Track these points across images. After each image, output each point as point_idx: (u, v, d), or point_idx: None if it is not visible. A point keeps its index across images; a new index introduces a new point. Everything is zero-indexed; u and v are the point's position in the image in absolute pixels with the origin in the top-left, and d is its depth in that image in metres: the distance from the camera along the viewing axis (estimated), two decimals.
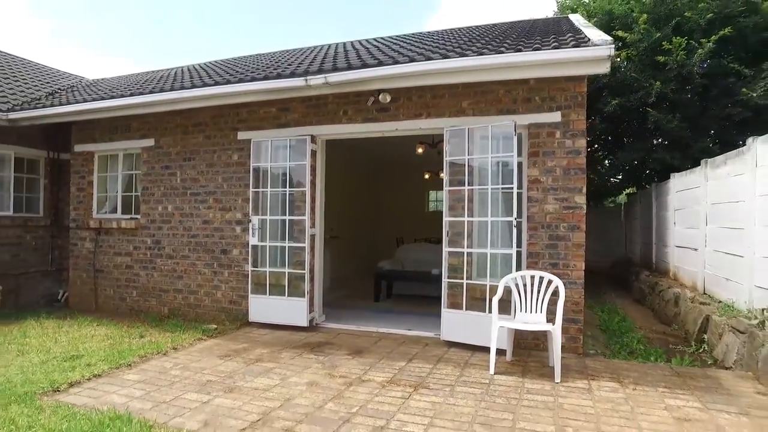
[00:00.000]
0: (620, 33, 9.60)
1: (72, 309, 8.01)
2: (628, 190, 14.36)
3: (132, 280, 7.66)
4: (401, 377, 4.52)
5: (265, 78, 5.85)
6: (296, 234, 6.35)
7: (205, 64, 10.83)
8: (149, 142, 7.48)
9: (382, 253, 11.29)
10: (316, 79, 5.46)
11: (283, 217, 6.43)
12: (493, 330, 4.64)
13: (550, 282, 4.85)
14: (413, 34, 9.47)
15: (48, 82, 10.43)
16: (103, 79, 12.09)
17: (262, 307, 6.50)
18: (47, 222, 8.98)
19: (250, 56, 10.38)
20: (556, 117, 5.33)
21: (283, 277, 6.38)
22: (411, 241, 11.65)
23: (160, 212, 7.38)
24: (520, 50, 4.91)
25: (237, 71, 7.24)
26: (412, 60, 5.24)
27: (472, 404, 3.86)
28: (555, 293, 4.75)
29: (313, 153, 6.32)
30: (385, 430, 3.40)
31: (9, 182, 8.42)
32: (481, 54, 4.98)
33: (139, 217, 7.60)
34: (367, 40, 9.49)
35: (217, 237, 6.93)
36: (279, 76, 5.75)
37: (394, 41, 8.37)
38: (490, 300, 4.94)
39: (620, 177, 12.97)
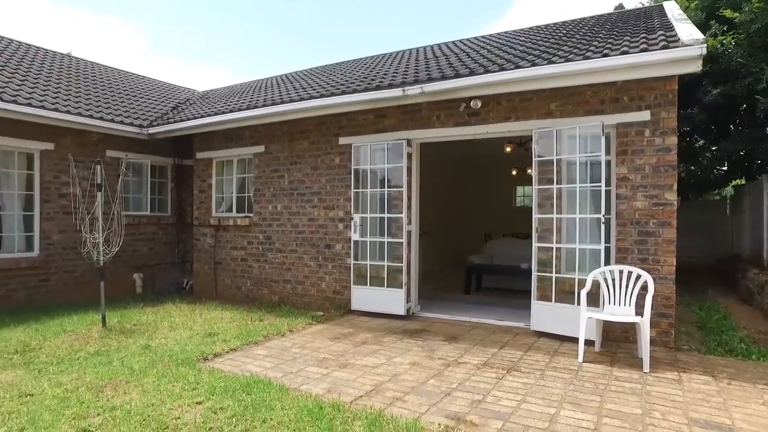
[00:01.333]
0: (727, 13, 9.14)
1: (196, 296, 9.20)
2: (735, 182, 13.56)
3: (246, 271, 8.68)
4: (494, 361, 4.95)
5: (366, 90, 6.48)
6: (394, 230, 6.95)
7: (298, 73, 11.76)
8: (260, 149, 8.43)
9: (470, 248, 11.66)
10: (413, 90, 6.01)
11: (382, 215, 7.06)
12: (581, 321, 4.93)
13: (638, 276, 5.04)
14: (497, 34, 9.64)
15: (168, 97, 11.89)
16: (211, 91, 13.49)
17: (363, 297, 7.18)
18: (174, 220, 10.34)
19: (342, 64, 11.13)
20: (644, 116, 5.45)
21: (383, 270, 7.01)
22: (499, 236, 11.91)
23: (270, 211, 8.31)
24: (606, 55, 5.11)
25: (337, 82, 7.96)
26: (502, 68, 5.61)
27: (561, 386, 4.21)
28: (644, 288, 4.94)
29: (409, 155, 6.87)
30: (482, 403, 3.86)
31: (146, 186, 9.84)
32: (568, 60, 5.25)
33: (252, 215, 8.59)
34: (453, 43, 9.85)
35: (322, 233, 7.71)
36: (378, 88, 6.36)
37: (478, 43, 8.66)
38: (579, 293, 5.21)
39: (725, 168, 12.32)
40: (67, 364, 4.73)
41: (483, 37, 9.72)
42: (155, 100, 11.09)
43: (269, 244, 8.33)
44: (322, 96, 6.93)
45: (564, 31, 7.72)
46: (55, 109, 7.78)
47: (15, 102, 7.27)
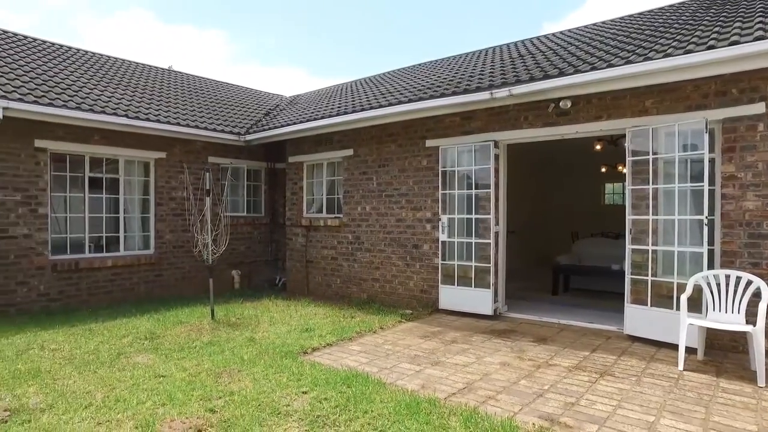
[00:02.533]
0: None
1: (289, 292, 9.77)
2: None
3: (336, 269, 9.09)
4: (586, 364, 4.89)
5: (453, 93, 6.59)
6: (481, 231, 7.01)
7: (382, 75, 12.05)
8: (349, 152, 8.79)
9: (556, 247, 11.40)
10: (501, 92, 6.04)
11: (469, 216, 7.14)
12: (681, 327, 4.74)
13: (749, 282, 4.75)
14: (585, 26, 9.29)
15: (260, 104, 12.66)
16: (298, 96, 14.16)
17: (451, 296, 7.30)
18: (267, 220, 11.03)
19: (424, 65, 11.26)
20: (758, 108, 5.08)
21: (470, 270, 7.10)
22: (587, 235, 11.54)
23: (359, 212, 8.65)
24: (712, 47, 4.84)
25: (422, 85, 8.12)
26: (593, 67, 5.49)
27: (660, 394, 4.10)
28: (756, 294, 4.65)
29: (496, 157, 6.90)
30: (576, 406, 3.87)
31: (243, 189, 10.59)
32: (668, 55, 5.03)
33: (341, 216, 8.99)
34: (538, 38, 9.65)
35: (410, 233, 7.92)
36: (466, 91, 6.45)
37: (565, 39, 8.42)
38: (678, 297, 5.01)
39: None
40: (187, 352, 5.29)
41: (569, 31, 9.45)
42: (248, 108, 11.87)
43: (358, 244, 8.67)
44: (410, 101, 7.13)
45: (661, 20, 7.32)
46: (168, 122, 8.61)
47: (137, 118, 8.17)
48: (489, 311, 6.91)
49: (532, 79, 5.92)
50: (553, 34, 9.62)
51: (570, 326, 6.49)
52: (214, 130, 9.39)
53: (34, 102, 7.05)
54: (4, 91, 6.95)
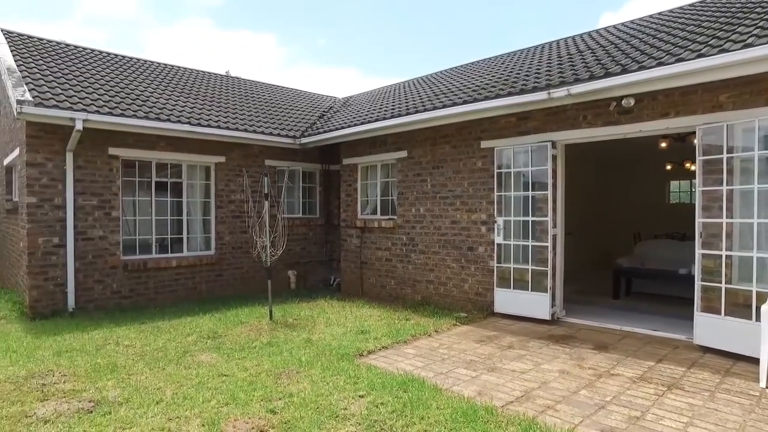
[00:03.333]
0: None
1: (344, 293, 9.90)
2: None
3: (390, 271, 9.13)
4: (652, 375, 4.67)
5: (509, 94, 6.46)
6: (539, 234, 6.84)
7: (434, 75, 11.96)
8: (403, 154, 8.80)
9: (617, 249, 10.95)
10: (559, 92, 5.86)
11: (526, 218, 6.98)
12: (763, 340, 4.44)
13: None
14: (650, 16, 8.83)
15: (314, 106, 12.90)
16: (351, 97, 14.32)
17: (506, 300, 7.17)
18: (322, 221, 11.22)
19: (477, 63, 11.09)
20: None
21: (527, 273, 6.95)
22: (650, 236, 11.01)
23: (413, 214, 8.64)
24: None
25: (476, 85, 8.01)
26: (660, 62, 5.22)
27: (738, 413, 3.85)
28: None
29: (554, 158, 6.70)
30: (641, 421, 3.71)
31: (299, 191, 10.83)
32: (748, 45, 4.67)
33: (395, 217, 9.01)
34: (597, 32, 9.28)
35: (464, 236, 7.83)
36: (522, 92, 6.30)
37: (627, 31, 8.04)
38: (758, 307, 4.69)
39: None
40: (247, 352, 5.47)
41: (631, 22, 9.02)
42: (303, 111, 12.12)
43: (412, 246, 8.67)
44: (464, 102, 7.04)
45: (738, 4, 6.76)
46: (227, 128, 8.95)
47: (199, 124, 8.55)
48: (546, 316, 6.73)
49: (592, 78, 5.70)
50: (614, 27, 9.22)
51: (633, 333, 6.22)
52: (271, 134, 9.65)
53: (109, 113, 7.52)
54: (84, 105, 7.45)
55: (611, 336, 6.12)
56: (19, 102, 6.80)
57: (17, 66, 8.07)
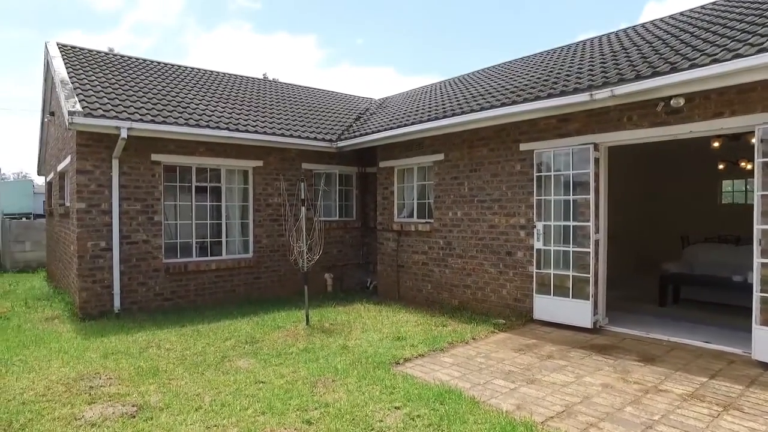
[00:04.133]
0: None
1: (380, 296, 9.87)
2: None
3: (427, 275, 9.04)
4: (705, 393, 4.42)
5: (549, 96, 6.26)
6: (580, 239, 6.61)
7: (471, 75, 11.77)
8: (439, 157, 8.69)
9: (663, 252, 10.49)
10: (602, 93, 5.63)
11: (566, 223, 6.76)
12: None
13: None
14: (700, 7, 8.38)
15: (350, 108, 12.93)
16: (387, 99, 14.27)
17: (546, 307, 6.97)
18: (359, 224, 11.23)
19: (514, 62, 10.83)
20: None
21: (567, 280, 6.73)
22: (700, 240, 10.50)
23: (450, 217, 8.52)
24: None
25: (514, 86, 7.81)
26: (714, 59, 4.92)
27: None
28: None
29: (596, 161, 6.46)
30: None
31: (335, 194, 10.87)
32: None
33: (432, 221, 8.91)
34: (643, 26, 8.90)
35: (502, 240, 7.66)
36: (563, 93, 6.09)
37: (675, 24, 7.66)
38: None
39: None
40: (284, 358, 5.51)
41: (680, 14, 8.58)
42: (339, 113, 12.16)
43: (449, 250, 8.55)
44: (502, 104, 6.88)
45: None
46: (264, 132, 9.07)
47: (237, 130, 8.70)
48: (588, 324, 6.50)
49: (638, 77, 5.44)
50: (661, 20, 8.81)
51: (682, 345, 5.92)
52: (307, 138, 9.72)
53: (151, 121, 7.74)
54: (128, 113, 7.71)
55: (658, 347, 5.85)
56: (70, 113, 7.08)
57: (69, 78, 8.42)
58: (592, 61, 7.44)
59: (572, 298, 6.67)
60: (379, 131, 9.20)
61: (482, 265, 7.98)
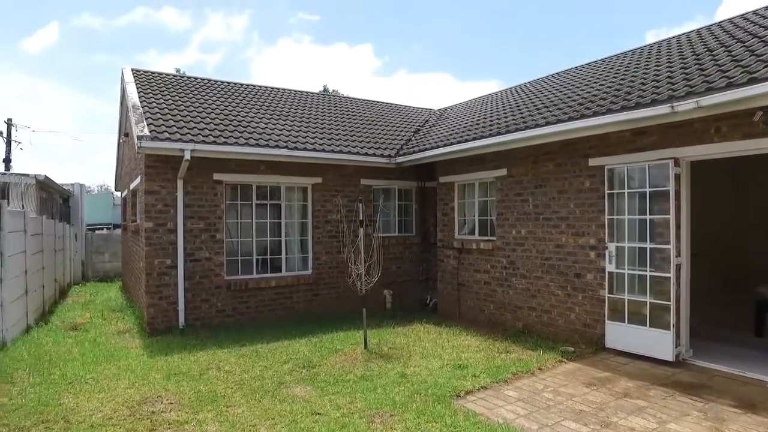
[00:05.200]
0: None
1: (440, 315, 9.58)
2: None
3: (489, 295, 8.66)
4: None
5: (622, 109, 5.78)
6: (658, 262, 6.05)
7: (533, 84, 11.27)
8: (502, 172, 8.32)
9: (756, 273, 9.48)
10: (685, 105, 5.08)
11: (642, 245, 6.21)
12: None
13: None
14: None
15: (408, 120, 12.76)
16: (446, 109, 13.98)
17: (619, 335, 6.44)
18: (418, 240, 10.99)
19: (581, 68, 10.27)
20: None
21: (644, 306, 6.18)
22: None
23: (513, 235, 8.12)
24: None
25: (582, 97, 7.34)
26: None
27: None
28: None
29: (677, 177, 5.89)
30: None
31: (394, 209, 10.71)
32: None
33: (494, 239, 8.54)
34: (731, 21, 8.09)
35: (570, 261, 7.19)
36: (638, 106, 5.60)
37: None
38: None
39: None
40: (341, 386, 5.36)
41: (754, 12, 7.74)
42: (398, 126, 12.03)
43: (513, 269, 8.15)
44: (570, 118, 6.45)
45: None
46: (323, 150, 9.07)
47: (296, 148, 8.76)
48: (669, 356, 5.91)
49: (730, 86, 4.84)
50: (754, 12, 7.91)
51: None
52: (366, 154, 9.63)
53: (213, 142, 7.93)
54: (192, 135, 7.94)
55: (759, 389, 5.16)
56: (139, 137, 7.37)
57: (140, 102, 8.81)
58: (671, 67, 6.84)
59: (650, 326, 6.11)
60: (438, 147, 8.96)
61: (548, 287, 7.53)
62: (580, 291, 7.06)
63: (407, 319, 9.04)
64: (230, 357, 6.52)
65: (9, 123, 25.22)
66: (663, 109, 5.29)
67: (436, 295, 10.14)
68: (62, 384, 5.51)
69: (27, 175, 13.81)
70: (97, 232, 20.23)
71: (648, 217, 6.17)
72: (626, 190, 6.40)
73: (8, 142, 25.03)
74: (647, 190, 6.16)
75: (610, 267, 6.57)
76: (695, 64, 6.32)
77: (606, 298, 6.64)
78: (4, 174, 13.88)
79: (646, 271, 6.19)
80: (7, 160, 24.83)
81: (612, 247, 6.53)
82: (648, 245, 6.16)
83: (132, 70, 10.71)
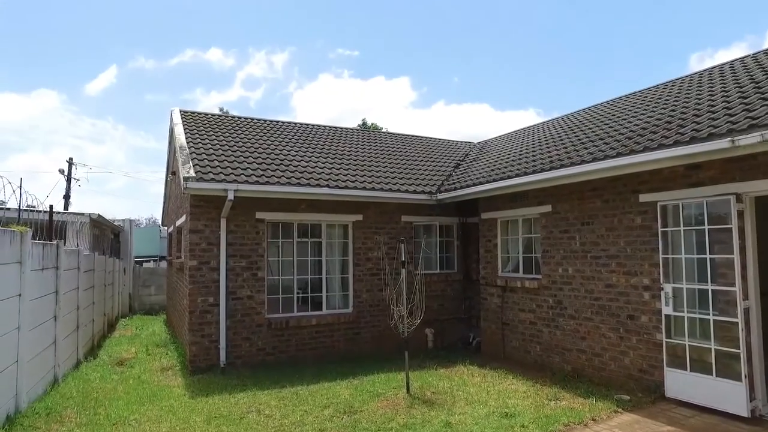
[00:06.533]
0: None
1: (484, 355, 9.22)
2: None
3: (535, 335, 8.30)
4: None
5: (675, 144, 5.50)
6: (722, 305, 5.62)
7: (576, 115, 11.03)
8: (546, 208, 8.07)
9: None
10: (748, 139, 4.76)
11: (703, 286, 5.80)
12: None
13: None
14: None
15: (449, 155, 12.67)
16: (486, 142, 13.84)
17: (681, 383, 5.97)
18: (460, 276, 10.74)
19: (626, 99, 9.97)
20: None
21: (708, 354, 5.72)
22: None
23: (560, 274, 7.80)
24: None
25: (630, 130, 7.08)
26: None
27: None
28: None
29: (740, 214, 5.51)
30: None
31: (436, 246, 10.55)
32: None
33: (540, 277, 8.22)
34: (766, 52, 7.73)
35: (622, 301, 6.81)
36: (693, 140, 5.32)
37: None
38: None
39: None
40: None
41: None
42: (438, 161, 11.95)
43: (560, 309, 7.79)
44: (618, 154, 6.20)
45: None
46: (363, 188, 9.07)
47: (337, 187, 8.80)
48: (743, 411, 5.40)
49: None
50: None
51: None
52: (407, 191, 9.57)
53: (256, 182, 8.07)
54: (235, 175, 8.11)
55: None
56: (185, 179, 7.57)
57: (187, 143, 9.10)
58: (726, 96, 6.53)
59: (716, 376, 5.63)
60: (480, 183, 8.80)
61: (599, 329, 7.13)
62: (634, 334, 6.64)
63: (450, 359, 8.74)
64: (270, 399, 6.42)
65: (70, 162, 26.67)
66: (722, 143, 4.99)
67: (480, 334, 9.80)
68: (107, 425, 5.54)
69: (82, 214, 14.42)
70: (144, 265, 20.90)
71: (708, 256, 5.77)
72: (682, 228, 6.04)
73: (68, 181, 26.41)
74: (706, 227, 5.79)
75: (666, 309, 6.17)
76: (755, 93, 6.00)
77: (663, 342, 6.21)
78: (62, 213, 14.55)
79: (708, 314, 5.76)
80: (67, 197, 26.16)
81: (668, 288, 6.14)
82: (709, 287, 5.75)
83: (180, 111, 11.14)
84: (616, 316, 6.90)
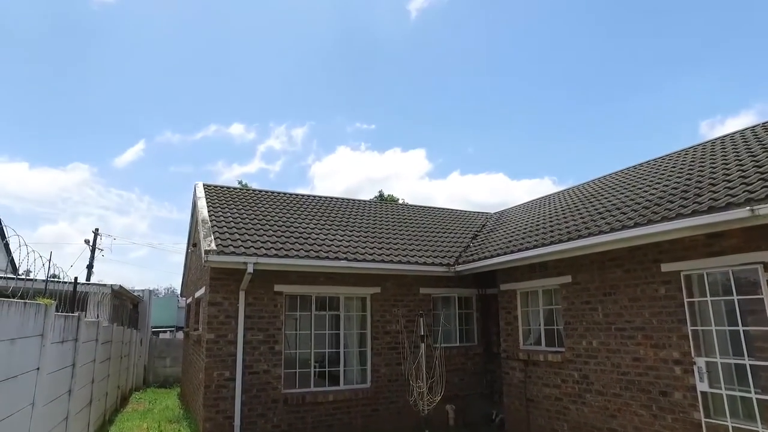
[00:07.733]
0: None
1: None
2: None
3: (562, 412, 7.90)
4: None
5: (693, 213, 5.48)
6: (764, 382, 5.32)
7: (592, 184, 11.10)
8: (566, 279, 7.95)
9: None
10: (767, 207, 4.76)
11: (740, 360, 5.54)
12: None
13: None
14: None
15: (466, 226, 12.74)
16: (504, 212, 13.92)
17: None
18: (481, 350, 10.45)
19: (641, 167, 10.06)
20: None
21: None
22: None
23: (584, 347, 7.54)
24: None
25: (647, 200, 7.09)
26: None
27: None
28: None
29: None
30: None
31: (455, 318, 10.36)
32: None
33: (563, 350, 7.95)
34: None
35: (652, 376, 6.51)
36: (711, 210, 5.30)
37: None
38: None
39: None
40: None
41: None
42: (455, 232, 12.00)
43: (586, 384, 7.47)
44: (636, 224, 6.18)
45: None
46: (381, 261, 9.10)
47: (355, 260, 8.84)
48: None
49: None
50: None
51: None
52: (424, 263, 9.56)
53: (275, 255, 8.17)
54: (255, 248, 8.24)
55: None
56: (206, 252, 7.71)
57: (209, 217, 9.35)
58: (741, 164, 6.57)
59: None
60: (498, 255, 8.77)
61: (629, 406, 6.78)
62: (669, 412, 6.29)
63: None
64: None
65: (95, 233, 27.38)
66: (741, 212, 4.96)
67: (503, 411, 9.37)
68: None
69: (104, 285, 14.63)
70: (160, 335, 20.80)
71: (741, 328, 5.56)
72: (709, 298, 5.88)
73: (92, 251, 26.99)
74: (735, 297, 5.63)
75: (702, 386, 5.87)
76: None
77: (703, 422, 5.85)
78: (85, 284, 14.78)
79: (750, 392, 5.45)
80: (90, 266, 26.63)
81: (701, 362, 5.88)
82: (747, 361, 5.48)
83: (203, 185, 11.52)
84: (647, 392, 6.57)
